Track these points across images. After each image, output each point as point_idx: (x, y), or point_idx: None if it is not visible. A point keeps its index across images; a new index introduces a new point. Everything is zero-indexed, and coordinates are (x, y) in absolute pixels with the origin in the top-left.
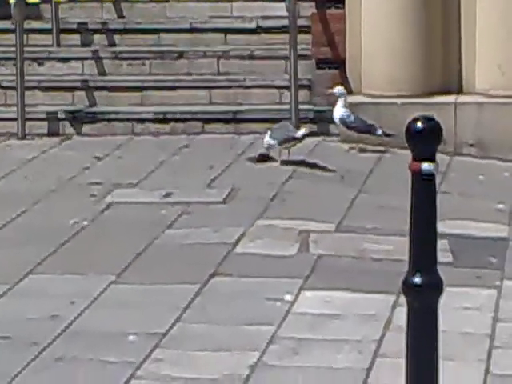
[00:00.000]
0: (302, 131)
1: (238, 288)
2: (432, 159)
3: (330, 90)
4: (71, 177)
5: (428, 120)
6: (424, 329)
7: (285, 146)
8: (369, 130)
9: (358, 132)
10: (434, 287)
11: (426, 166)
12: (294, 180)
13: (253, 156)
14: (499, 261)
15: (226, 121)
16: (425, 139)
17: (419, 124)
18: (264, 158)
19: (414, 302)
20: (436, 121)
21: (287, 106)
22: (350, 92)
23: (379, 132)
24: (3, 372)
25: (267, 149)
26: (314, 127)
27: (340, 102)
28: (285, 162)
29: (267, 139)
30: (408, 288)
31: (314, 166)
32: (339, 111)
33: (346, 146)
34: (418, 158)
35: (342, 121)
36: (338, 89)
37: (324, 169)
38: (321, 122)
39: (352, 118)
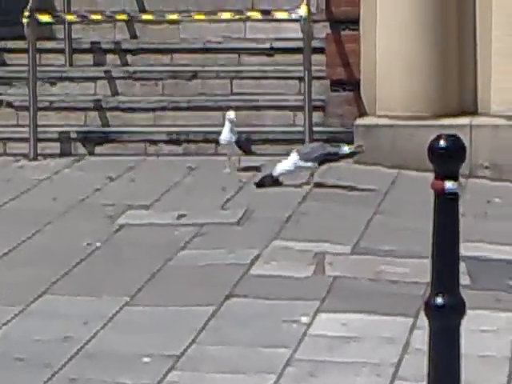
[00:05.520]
0: (346, 147)
1: (254, 310)
2: (455, 178)
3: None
4: (84, 198)
5: (451, 138)
6: (446, 350)
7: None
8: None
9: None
10: (457, 308)
11: (449, 184)
12: (308, 202)
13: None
14: None
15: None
16: (448, 157)
17: (442, 142)
18: (273, 182)
19: (436, 324)
20: (459, 138)
21: (301, 128)
22: (364, 113)
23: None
24: None
25: (295, 171)
26: None
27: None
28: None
29: (297, 163)
30: (430, 309)
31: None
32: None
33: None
34: (441, 176)
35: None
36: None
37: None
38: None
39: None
